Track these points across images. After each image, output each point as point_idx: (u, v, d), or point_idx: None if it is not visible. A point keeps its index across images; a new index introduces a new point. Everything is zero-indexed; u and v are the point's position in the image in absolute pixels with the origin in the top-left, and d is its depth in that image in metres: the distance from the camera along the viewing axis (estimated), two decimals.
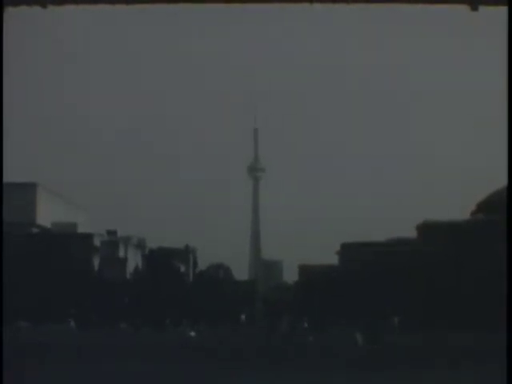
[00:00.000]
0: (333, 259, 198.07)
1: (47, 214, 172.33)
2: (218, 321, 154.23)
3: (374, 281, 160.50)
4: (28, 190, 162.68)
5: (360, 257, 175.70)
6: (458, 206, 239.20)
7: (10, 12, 13.52)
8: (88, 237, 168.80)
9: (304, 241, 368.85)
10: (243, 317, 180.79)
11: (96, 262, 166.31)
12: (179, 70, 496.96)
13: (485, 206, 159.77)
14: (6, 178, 15.70)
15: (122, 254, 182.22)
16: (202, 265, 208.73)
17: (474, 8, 14.17)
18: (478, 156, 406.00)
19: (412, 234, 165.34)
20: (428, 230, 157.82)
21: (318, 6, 14.44)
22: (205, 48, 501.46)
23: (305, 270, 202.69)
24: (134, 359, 39.11)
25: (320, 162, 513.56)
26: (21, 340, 57.67)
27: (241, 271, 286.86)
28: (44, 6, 13.71)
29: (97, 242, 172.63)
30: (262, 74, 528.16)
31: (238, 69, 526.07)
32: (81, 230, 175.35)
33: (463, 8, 14.22)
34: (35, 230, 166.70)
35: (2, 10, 13.42)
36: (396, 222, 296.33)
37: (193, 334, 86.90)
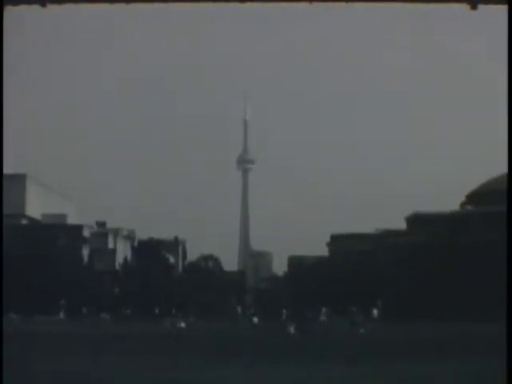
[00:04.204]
0: (323, 250, 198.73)
1: (37, 205, 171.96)
2: (207, 312, 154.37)
3: (363, 272, 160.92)
4: (17, 181, 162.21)
5: (350, 248, 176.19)
6: (447, 198, 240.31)
7: (9, 11, 13.52)
8: (77, 228, 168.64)
9: (293, 232, 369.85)
10: (233, 308, 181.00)
11: (85, 253, 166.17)
12: (174, 65, 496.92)
13: (474, 198, 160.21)
14: None
15: (111, 245, 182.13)
16: (192, 256, 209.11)
17: (474, 7, 14.17)
18: (468, 149, 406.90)
19: (401, 225, 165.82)
20: (417, 221, 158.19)
21: (316, 4, 14.40)
22: (199, 43, 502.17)
23: (294, 261, 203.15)
24: (124, 350, 39.09)
25: (310, 153, 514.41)
26: (13, 331, 57.56)
27: (230, 262, 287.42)
28: (43, 5, 13.71)
29: (86, 233, 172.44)
30: (253, 66, 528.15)
31: (229, 61, 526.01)
32: (70, 221, 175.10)
33: (462, 7, 14.23)
34: (25, 222, 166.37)
35: (1, 10, 13.40)
36: (386, 214, 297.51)
37: (183, 325, 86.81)
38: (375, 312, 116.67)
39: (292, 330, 58.06)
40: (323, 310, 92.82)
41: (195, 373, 26.85)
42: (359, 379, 25.58)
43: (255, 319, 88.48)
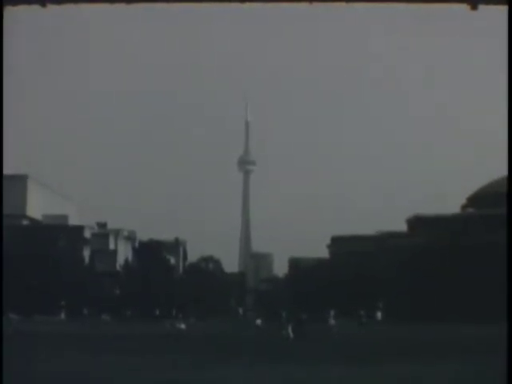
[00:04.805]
0: (323, 252, 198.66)
1: (38, 206, 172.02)
2: (207, 313, 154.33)
3: (363, 274, 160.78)
4: (19, 181, 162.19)
5: (350, 250, 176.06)
6: (448, 200, 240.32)
7: (9, 11, 13.53)
8: (78, 229, 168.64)
9: (294, 233, 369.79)
10: (233, 309, 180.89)
11: (86, 254, 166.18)
12: (174, 65, 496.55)
13: (475, 200, 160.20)
14: None
15: (112, 246, 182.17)
16: (192, 257, 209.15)
17: (474, 7, 14.18)
18: (469, 151, 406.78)
19: (402, 227, 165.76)
20: (419, 223, 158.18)
21: (316, 4, 14.41)
22: (199, 43, 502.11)
23: (295, 263, 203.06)
24: (124, 351, 39.09)
25: (311, 155, 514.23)
26: (13, 331, 57.56)
27: (231, 263, 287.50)
28: (43, 5, 13.72)
29: (87, 234, 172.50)
30: (253, 67, 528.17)
31: (229, 62, 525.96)
32: (71, 222, 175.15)
33: (463, 7, 14.25)
34: (26, 222, 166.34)
35: (1, 10, 13.41)
36: (386, 216, 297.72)
37: (183, 326, 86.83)
38: (379, 314, 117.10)
39: (288, 331, 58.26)
40: (332, 312, 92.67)
41: (194, 373, 26.88)
42: (357, 380, 25.59)
43: (258, 321, 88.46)
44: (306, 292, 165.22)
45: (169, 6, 14.60)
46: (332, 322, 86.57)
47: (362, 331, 74.80)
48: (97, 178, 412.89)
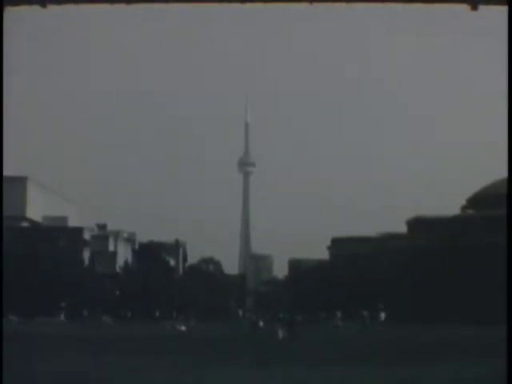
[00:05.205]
0: (323, 254, 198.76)
1: (37, 207, 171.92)
2: (208, 314, 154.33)
3: (363, 275, 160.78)
4: (19, 183, 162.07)
5: (351, 251, 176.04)
6: (448, 201, 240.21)
7: (9, 11, 13.53)
8: (78, 231, 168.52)
9: (294, 235, 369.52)
10: (233, 310, 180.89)
11: (86, 255, 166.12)
12: (174, 66, 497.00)
13: (475, 202, 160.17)
14: None
15: (112, 247, 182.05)
16: (192, 259, 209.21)
17: (474, 7, 14.18)
18: (469, 153, 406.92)
19: (402, 229, 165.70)
20: (419, 225, 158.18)
21: (317, 5, 14.42)
22: (199, 43, 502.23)
23: (295, 265, 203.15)
24: (123, 352, 39.05)
25: (311, 156, 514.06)
26: (12, 332, 57.43)
27: (231, 265, 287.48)
28: (43, 5, 13.73)
29: (87, 235, 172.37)
30: (254, 68, 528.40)
31: (230, 63, 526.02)
32: (71, 223, 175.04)
33: (463, 7, 14.25)
34: (25, 224, 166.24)
35: (1, 10, 13.41)
36: (387, 217, 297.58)
37: (183, 327, 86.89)
38: (382, 316, 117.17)
39: (278, 332, 58.32)
40: (338, 313, 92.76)
41: (195, 374, 26.88)
42: (358, 380, 25.59)
43: (261, 323, 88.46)
44: (306, 293, 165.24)
45: (169, 6, 14.58)
46: (340, 323, 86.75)
47: (364, 332, 74.79)
48: (97, 179, 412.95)
